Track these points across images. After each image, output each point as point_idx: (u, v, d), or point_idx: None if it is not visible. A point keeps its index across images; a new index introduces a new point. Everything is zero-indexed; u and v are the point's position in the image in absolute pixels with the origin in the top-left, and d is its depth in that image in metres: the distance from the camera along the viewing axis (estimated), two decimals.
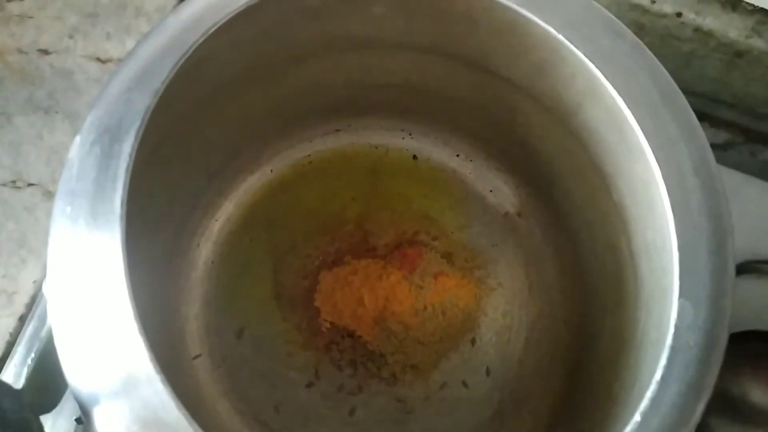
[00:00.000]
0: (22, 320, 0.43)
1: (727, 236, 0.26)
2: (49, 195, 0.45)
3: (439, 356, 0.42)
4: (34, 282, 0.44)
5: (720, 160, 0.58)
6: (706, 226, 0.26)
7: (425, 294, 0.43)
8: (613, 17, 0.29)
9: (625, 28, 0.28)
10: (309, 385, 0.41)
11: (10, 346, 0.43)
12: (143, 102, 0.25)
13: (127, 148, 0.24)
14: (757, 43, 0.49)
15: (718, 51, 0.51)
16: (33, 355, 0.25)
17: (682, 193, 0.26)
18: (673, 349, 0.24)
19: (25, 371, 0.25)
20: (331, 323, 0.42)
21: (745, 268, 0.47)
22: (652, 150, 0.27)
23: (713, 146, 0.60)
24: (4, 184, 0.46)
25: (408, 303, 0.42)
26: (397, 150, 0.45)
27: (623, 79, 0.27)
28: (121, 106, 0.25)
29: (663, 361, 0.24)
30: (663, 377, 0.24)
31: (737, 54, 0.51)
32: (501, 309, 0.43)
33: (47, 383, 0.25)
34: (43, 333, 0.25)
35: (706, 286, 0.25)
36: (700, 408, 0.24)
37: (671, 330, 0.24)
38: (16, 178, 0.46)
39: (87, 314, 0.24)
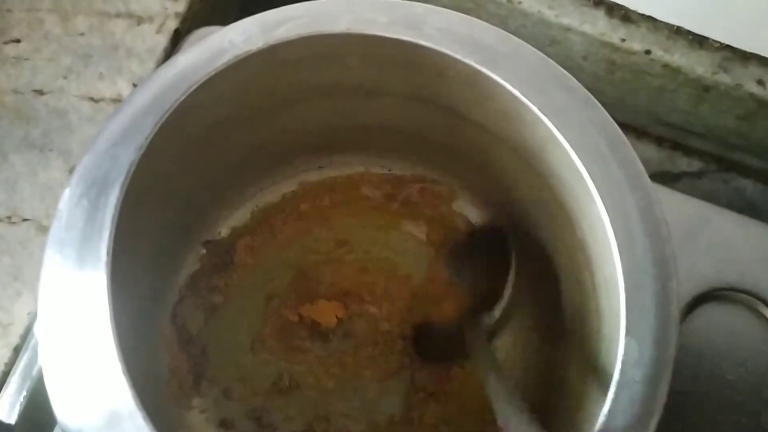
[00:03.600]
0: (17, 351, 0.44)
1: (671, 279, 0.28)
2: (44, 230, 0.47)
3: None
4: (29, 314, 0.45)
5: (694, 188, 0.60)
6: (651, 269, 0.28)
7: None
8: (567, 73, 0.31)
9: (577, 83, 0.31)
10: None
11: (5, 375, 0.44)
12: (128, 157, 0.27)
13: (112, 200, 0.26)
14: (723, 78, 0.51)
15: (686, 86, 0.53)
16: (25, 393, 0.27)
17: (628, 238, 0.28)
18: (619, 384, 0.26)
19: (17, 408, 0.27)
20: None
21: (712, 296, 0.49)
22: (601, 198, 0.29)
23: (687, 174, 0.62)
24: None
25: None
26: None
27: (574, 131, 0.29)
28: (107, 160, 0.27)
29: (611, 395, 0.26)
30: (610, 410, 0.26)
31: (705, 89, 0.53)
32: None
33: (38, 418, 0.27)
34: (35, 372, 0.27)
35: (650, 326, 0.27)
36: None
37: (618, 366, 0.26)
38: (12, 213, 0.47)
39: (75, 355, 0.26)
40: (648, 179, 0.30)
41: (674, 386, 0.46)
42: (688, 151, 0.60)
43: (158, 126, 0.27)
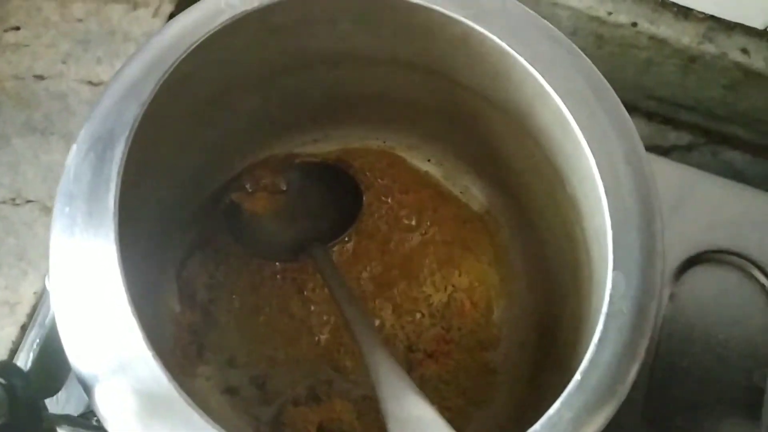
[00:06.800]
0: (24, 329, 0.46)
1: (654, 216, 0.29)
2: (47, 210, 0.48)
3: None
4: (35, 293, 0.46)
5: (684, 161, 0.61)
6: (636, 207, 0.29)
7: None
8: (549, 24, 0.32)
9: (560, 33, 0.32)
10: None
11: (13, 353, 0.45)
12: (132, 113, 0.28)
13: (118, 153, 0.27)
14: (708, 48, 0.52)
15: (673, 57, 0.54)
16: (38, 340, 0.28)
17: (613, 178, 0.29)
18: (608, 315, 0.27)
19: (30, 356, 0.28)
20: None
21: (704, 258, 0.50)
22: (587, 142, 0.30)
23: (677, 147, 0.63)
24: (4, 202, 0.48)
25: None
26: None
27: (561, 81, 0.31)
28: (113, 117, 0.28)
29: (600, 327, 0.27)
30: (600, 340, 0.27)
31: (691, 59, 0.54)
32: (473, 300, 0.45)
33: (50, 369, 0.28)
34: (47, 321, 0.28)
35: (636, 259, 0.28)
36: (635, 369, 0.27)
37: (606, 299, 0.27)
38: (15, 195, 0.49)
39: (86, 302, 0.27)
40: (631, 123, 0.31)
41: (667, 345, 0.48)
42: (678, 125, 0.61)
43: (161, 83, 0.29)
